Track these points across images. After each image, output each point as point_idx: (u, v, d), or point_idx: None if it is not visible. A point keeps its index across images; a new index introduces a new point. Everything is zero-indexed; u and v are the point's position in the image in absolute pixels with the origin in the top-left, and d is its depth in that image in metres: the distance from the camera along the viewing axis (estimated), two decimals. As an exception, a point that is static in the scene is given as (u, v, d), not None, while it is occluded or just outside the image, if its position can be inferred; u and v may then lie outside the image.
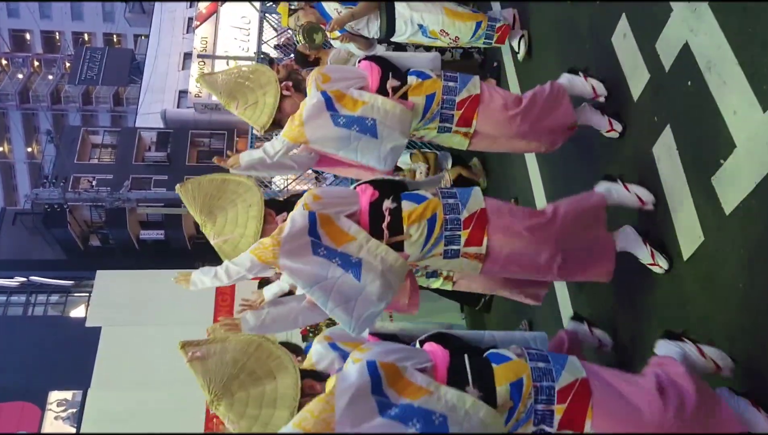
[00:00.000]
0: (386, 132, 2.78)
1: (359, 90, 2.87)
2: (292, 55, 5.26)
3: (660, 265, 2.59)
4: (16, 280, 17.98)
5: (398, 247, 2.49)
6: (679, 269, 2.55)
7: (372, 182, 2.62)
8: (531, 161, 4.20)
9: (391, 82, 2.89)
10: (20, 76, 31.60)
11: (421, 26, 4.11)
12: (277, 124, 3.01)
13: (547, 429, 1.85)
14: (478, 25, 4.12)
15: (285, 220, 2.51)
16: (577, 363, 1.94)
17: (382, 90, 2.88)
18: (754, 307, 2.12)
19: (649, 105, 2.79)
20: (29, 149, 31.34)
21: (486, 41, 4.19)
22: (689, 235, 2.49)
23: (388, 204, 2.50)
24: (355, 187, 2.67)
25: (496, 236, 2.53)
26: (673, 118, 2.61)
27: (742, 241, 2.18)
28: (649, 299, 2.73)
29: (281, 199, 2.83)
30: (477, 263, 2.57)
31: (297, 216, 2.45)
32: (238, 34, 22.06)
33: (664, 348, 2.21)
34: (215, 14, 22.85)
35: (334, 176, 6.10)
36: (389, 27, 4.18)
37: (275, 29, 8.50)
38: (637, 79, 2.88)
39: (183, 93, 23.22)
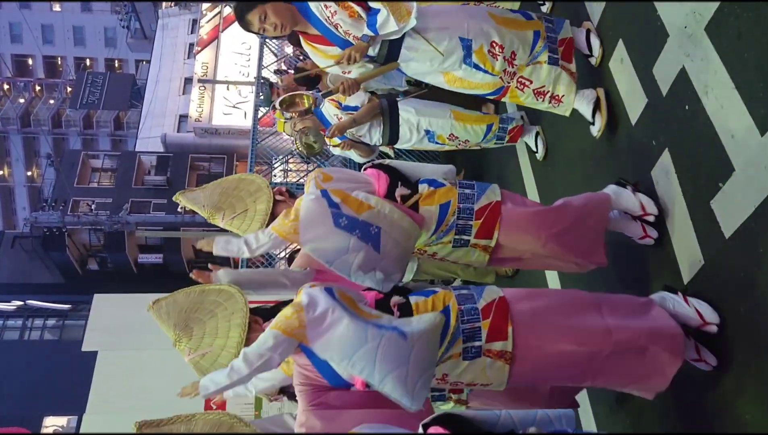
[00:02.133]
0: (389, 246, 2.46)
1: (365, 193, 2.56)
2: (292, 71, 5.05)
3: (707, 361, 2.31)
4: (13, 304, 17.91)
5: None
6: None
7: None
8: (529, 181, 4.21)
9: (400, 190, 2.60)
10: (22, 100, 31.83)
11: (428, 132, 3.93)
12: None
13: None
14: (489, 127, 3.93)
15: None
16: None
17: (389, 199, 2.59)
18: (755, 331, 2.11)
19: (647, 129, 2.81)
20: (29, 173, 31.45)
21: (498, 142, 4.00)
22: (689, 259, 2.48)
23: (396, 300, 2.29)
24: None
25: (522, 326, 2.22)
26: (671, 142, 2.62)
27: (743, 264, 2.17)
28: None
29: (268, 307, 2.50)
30: (503, 365, 2.22)
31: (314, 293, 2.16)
32: (239, 59, 22.27)
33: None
34: (216, 40, 23.10)
35: None
36: (392, 133, 3.96)
37: (275, 54, 8.58)
38: (635, 103, 2.90)
39: (183, 117, 23.35)
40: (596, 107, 3.15)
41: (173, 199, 2.91)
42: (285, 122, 4.06)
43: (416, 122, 3.92)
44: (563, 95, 3.13)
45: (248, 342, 2.26)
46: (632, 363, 2.26)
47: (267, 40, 8.46)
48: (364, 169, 2.79)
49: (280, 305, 2.45)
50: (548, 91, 3.12)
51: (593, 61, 3.28)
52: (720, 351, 2.28)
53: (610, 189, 2.74)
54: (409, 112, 3.92)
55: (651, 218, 2.70)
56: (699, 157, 2.43)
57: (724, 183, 2.26)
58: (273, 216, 2.72)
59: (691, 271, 2.46)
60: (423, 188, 2.62)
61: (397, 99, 4.02)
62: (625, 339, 2.24)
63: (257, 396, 5.13)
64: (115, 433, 4.96)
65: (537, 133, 4.00)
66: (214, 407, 6.54)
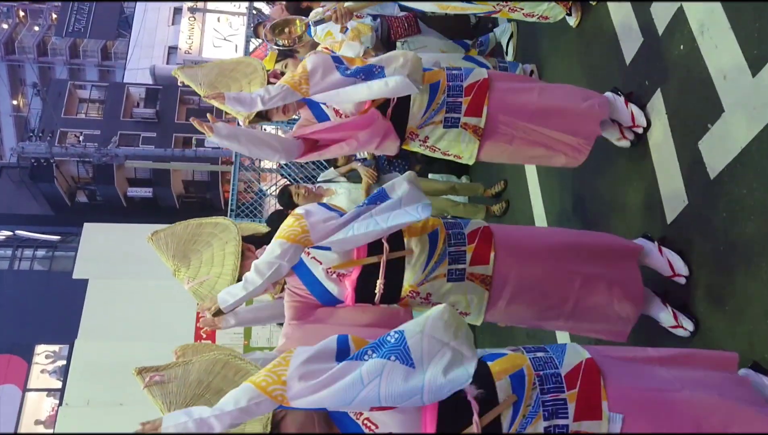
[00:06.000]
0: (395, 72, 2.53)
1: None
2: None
3: (684, 326, 2.38)
4: (2, 234, 17.88)
5: (399, 266, 2.28)
6: (663, 232, 2.59)
7: None
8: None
9: None
10: (5, 26, 30.83)
11: None
12: (262, 115, 2.72)
13: (561, 422, 1.62)
14: None
15: None
16: (578, 347, 1.78)
17: None
18: (734, 269, 2.17)
19: (641, 68, 2.80)
20: (15, 102, 30.79)
21: None
22: (674, 198, 2.53)
23: None
24: None
25: (503, 253, 2.31)
26: (664, 82, 2.62)
27: (725, 205, 2.22)
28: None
29: (260, 235, 2.56)
30: (483, 290, 2.31)
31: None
32: (230, -11, 21.63)
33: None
34: (207, -32, 22.36)
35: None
36: None
37: (268, -15, 8.34)
38: (631, 42, 2.88)
39: (173, 49, 22.84)
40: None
41: (172, 73, 2.91)
42: (276, 63, 3.94)
43: None
44: (551, 17, 3.44)
45: (242, 269, 2.36)
46: (599, 301, 2.33)
47: (259, -30, 8.21)
48: None
49: (271, 233, 2.50)
50: (537, 14, 3.42)
51: (591, 1, 3.25)
52: (699, 293, 2.35)
53: (607, 95, 2.78)
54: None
55: (640, 130, 2.75)
56: (690, 98, 2.44)
57: (713, 124, 2.28)
58: None
59: (675, 211, 2.51)
60: None
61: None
62: (595, 255, 2.33)
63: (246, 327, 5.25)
64: (109, 433, 5.08)
65: (531, 72, 3.97)
66: (204, 335, 6.69)
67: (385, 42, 3.94)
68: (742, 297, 2.12)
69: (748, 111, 2.11)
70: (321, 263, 2.31)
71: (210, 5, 22.01)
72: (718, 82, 2.26)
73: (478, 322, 2.42)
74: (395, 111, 2.62)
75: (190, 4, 21.93)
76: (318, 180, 4.20)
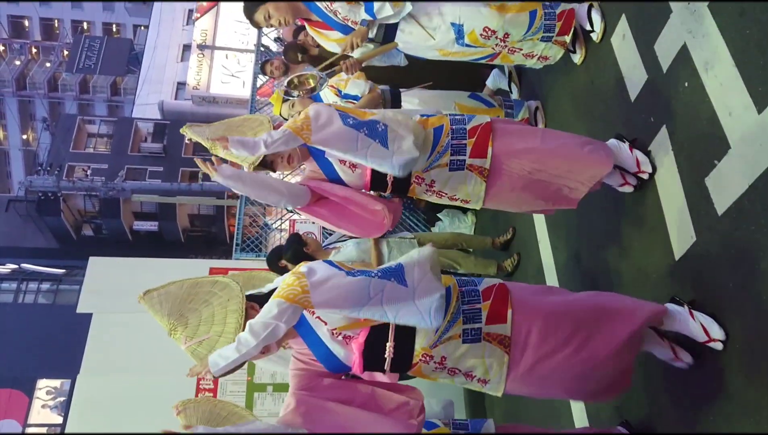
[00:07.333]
0: (397, 143, 2.56)
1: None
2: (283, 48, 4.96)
3: (683, 359, 2.38)
4: (8, 267, 17.93)
5: (410, 328, 2.17)
6: (671, 269, 2.57)
7: None
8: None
9: None
10: (17, 62, 31.42)
11: None
12: (266, 164, 2.72)
13: None
14: None
15: None
16: None
17: None
18: (743, 306, 2.15)
19: (646, 105, 2.81)
20: (24, 136, 31.18)
21: None
22: (681, 235, 2.51)
23: None
24: None
25: (521, 310, 2.24)
26: (669, 118, 2.63)
27: (734, 241, 2.20)
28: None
29: (265, 293, 2.41)
30: (502, 353, 2.20)
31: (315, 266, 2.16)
32: (239, 27, 22.03)
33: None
34: (216, 7, 22.82)
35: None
36: None
37: (276, 23, 8.48)
38: (636, 79, 2.90)
39: (181, 85, 23.17)
40: (575, 37, 3.41)
41: (180, 131, 2.95)
42: (283, 104, 4.03)
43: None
44: (550, 57, 3.46)
45: (245, 329, 2.21)
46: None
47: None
48: None
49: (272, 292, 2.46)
50: (537, 54, 3.44)
51: (594, 36, 3.29)
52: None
53: (611, 143, 2.79)
54: (412, 104, 3.87)
55: (645, 176, 2.75)
56: (696, 134, 2.44)
57: (720, 160, 2.28)
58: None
59: (683, 248, 2.49)
60: (416, 118, 2.73)
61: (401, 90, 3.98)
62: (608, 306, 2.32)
63: (251, 362, 5.18)
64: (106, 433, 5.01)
65: (536, 109, 4.00)
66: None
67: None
68: (752, 333, 2.09)
69: (754, 147, 2.11)
70: (326, 323, 2.20)
71: (218, 43, 22.39)
72: (724, 119, 2.27)
73: (498, 392, 2.26)
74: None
75: (199, 41, 22.30)
76: (325, 244, 4.19)
